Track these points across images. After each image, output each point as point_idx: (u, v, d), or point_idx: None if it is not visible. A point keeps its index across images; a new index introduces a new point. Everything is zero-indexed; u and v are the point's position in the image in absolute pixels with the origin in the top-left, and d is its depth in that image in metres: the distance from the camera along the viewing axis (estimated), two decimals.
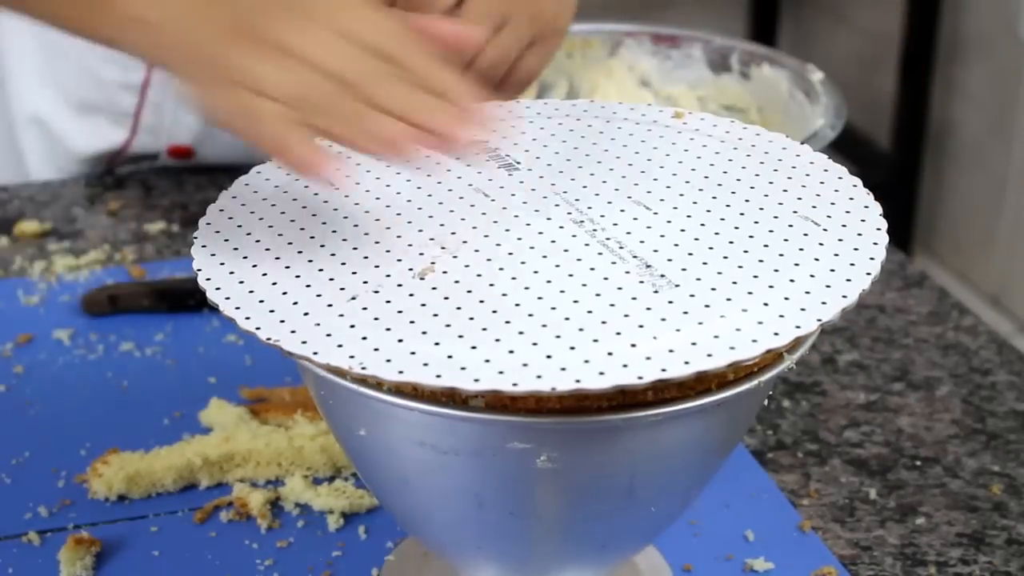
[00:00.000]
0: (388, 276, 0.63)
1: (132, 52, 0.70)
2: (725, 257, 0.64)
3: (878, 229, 0.66)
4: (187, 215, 1.13)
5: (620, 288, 0.62)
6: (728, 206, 0.68)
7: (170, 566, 0.79)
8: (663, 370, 0.56)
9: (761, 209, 0.68)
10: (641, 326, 0.59)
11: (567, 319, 0.59)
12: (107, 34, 0.69)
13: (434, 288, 0.62)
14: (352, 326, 0.60)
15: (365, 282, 0.63)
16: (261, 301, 0.62)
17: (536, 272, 0.63)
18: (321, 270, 0.64)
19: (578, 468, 0.61)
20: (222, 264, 0.65)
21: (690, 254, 0.64)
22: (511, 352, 0.58)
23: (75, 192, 1.17)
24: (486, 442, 0.60)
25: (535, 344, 0.58)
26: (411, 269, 0.63)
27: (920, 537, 0.83)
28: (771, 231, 0.66)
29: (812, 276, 0.62)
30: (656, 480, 0.64)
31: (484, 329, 0.59)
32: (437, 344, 0.58)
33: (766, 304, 0.60)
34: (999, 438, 0.91)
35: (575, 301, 0.61)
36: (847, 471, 0.88)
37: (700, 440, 0.60)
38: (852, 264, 0.63)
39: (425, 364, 0.57)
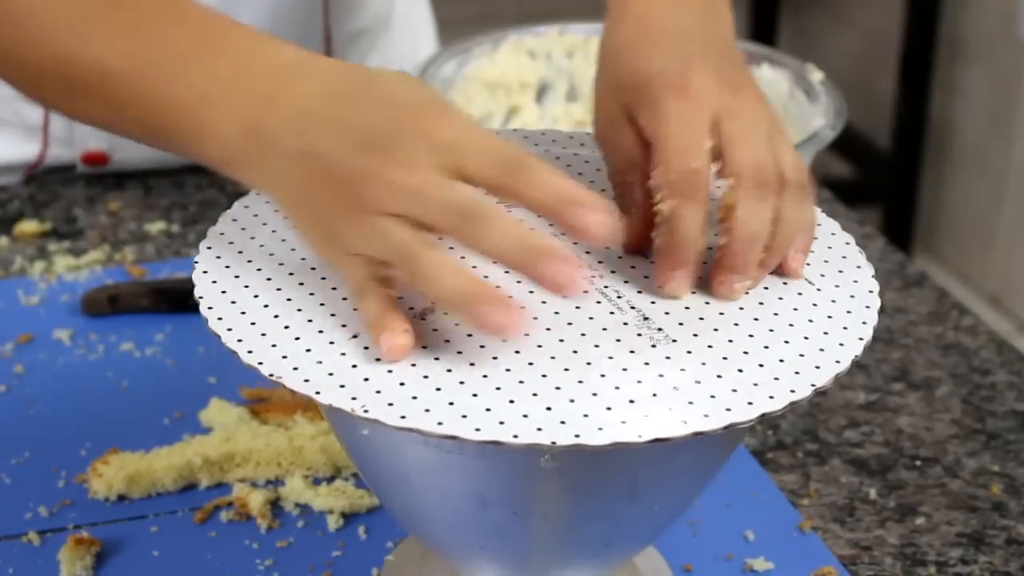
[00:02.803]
0: None
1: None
2: (721, 314, 0.65)
3: (870, 291, 0.67)
4: (187, 215, 1.13)
5: (619, 340, 0.62)
6: None
7: (170, 566, 0.79)
8: (661, 428, 0.58)
9: None
10: (639, 381, 0.60)
11: (566, 370, 0.60)
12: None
13: (435, 330, 0.63)
14: (354, 366, 0.60)
15: None
16: (263, 334, 0.62)
17: (535, 319, 0.63)
18: (323, 304, 0.64)
19: (582, 467, 0.62)
20: (223, 292, 0.65)
21: (687, 308, 0.65)
22: (511, 402, 0.59)
23: (75, 192, 1.17)
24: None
25: (535, 395, 0.59)
26: (412, 308, 0.64)
27: (920, 537, 0.83)
28: (766, 288, 0.67)
29: (806, 339, 0.64)
30: (659, 479, 0.65)
31: (485, 376, 0.60)
32: (439, 390, 0.59)
33: (761, 365, 0.62)
34: (999, 438, 0.91)
35: (574, 351, 0.62)
36: (847, 471, 0.88)
37: (703, 439, 0.60)
38: (845, 328, 0.64)
39: (427, 410, 0.58)
